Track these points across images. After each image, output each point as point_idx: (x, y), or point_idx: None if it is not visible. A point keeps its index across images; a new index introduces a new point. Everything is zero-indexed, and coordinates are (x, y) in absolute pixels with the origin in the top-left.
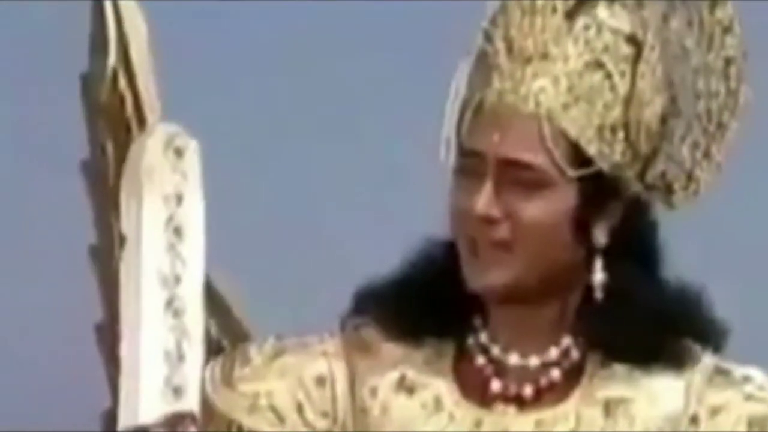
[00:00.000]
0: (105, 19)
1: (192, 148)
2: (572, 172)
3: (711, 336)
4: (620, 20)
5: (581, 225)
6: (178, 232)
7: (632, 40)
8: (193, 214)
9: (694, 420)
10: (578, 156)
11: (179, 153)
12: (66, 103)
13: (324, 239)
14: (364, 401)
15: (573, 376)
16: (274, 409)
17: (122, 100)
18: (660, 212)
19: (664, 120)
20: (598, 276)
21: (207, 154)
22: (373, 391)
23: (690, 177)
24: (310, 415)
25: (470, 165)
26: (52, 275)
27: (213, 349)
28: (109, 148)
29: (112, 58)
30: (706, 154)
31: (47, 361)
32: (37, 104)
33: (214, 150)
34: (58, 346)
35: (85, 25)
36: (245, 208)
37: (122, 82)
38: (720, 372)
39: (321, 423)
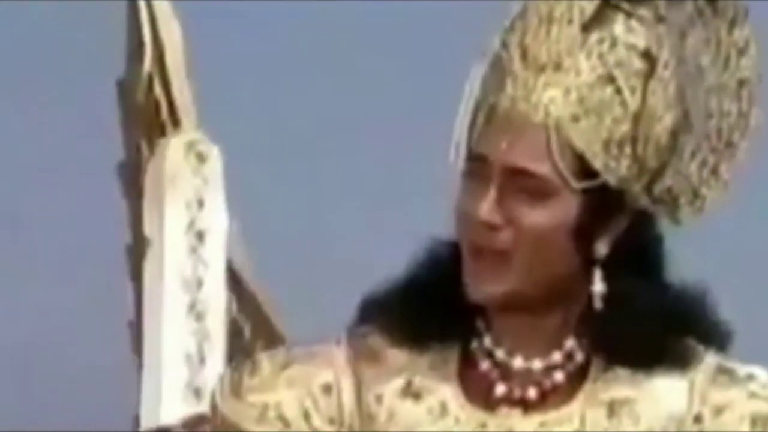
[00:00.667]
0: (140, 25)
1: (214, 153)
2: (576, 184)
3: (715, 337)
4: (636, 36)
5: (583, 236)
6: (200, 236)
7: (646, 55)
8: (215, 219)
9: (698, 419)
10: (584, 168)
11: (201, 158)
12: (103, 107)
13: (345, 244)
14: (370, 407)
15: (577, 378)
16: (282, 418)
17: (157, 105)
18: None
19: (674, 135)
20: (598, 287)
21: (241, 156)
22: (379, 398)
23: (696, 194)
24: (317, 422)
25: (477, 169)
26: (88, 274)
27: (245, 351)
28: (145, 151)
29: (148, 63)
30: (714, 172)
31: (83, 360)
32: (74, 108)
33: (248, 151)
34: (93, 345)
35: (122, 30)
36: (279, 206)
37: (157, 87)
38: (723, 371)
39: (328, 429)
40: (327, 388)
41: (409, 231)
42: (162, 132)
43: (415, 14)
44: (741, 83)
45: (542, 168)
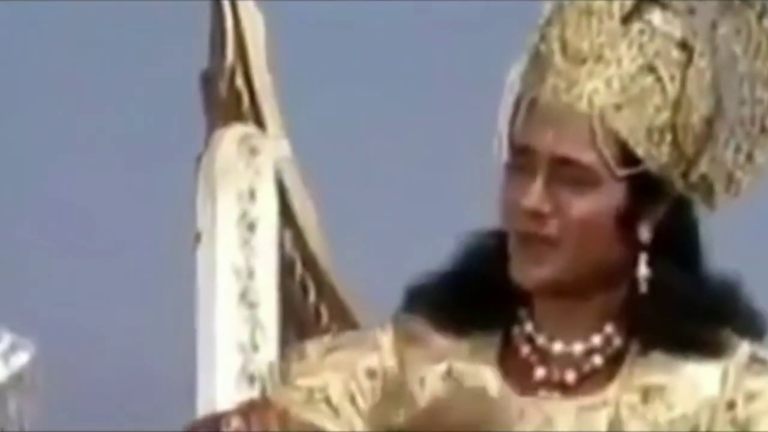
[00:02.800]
0: (223, 19)
1: (266, 146)
2: (621, 172)
3: (750, 327)
4: (672, 26)
5: (627, 222)
6: (251, 227)
7: (683, 45)
8: (267, 210)
9: (730, 405)
10: (627, 156)
11: (254, 151)
12: (188, 101)
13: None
14: (413, 391)
15: (614, 363)
16: (328, 401)
17: (239, 96)
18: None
19: (709, 123)
20: (643, 271)
21: (319, 147)
22: (422, 381)
23: (731, 179)
24: (362, 405)
25: (522, 161)
26: (162, 265)
27: (321, 329)
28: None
29: (230, 56)
30: (749, 158)
31: (150, 349)
32: (160, 99)
33: (326, 141)
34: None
35: (206, 24)
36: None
37: (239, 79)
38: (757, 360)
39: None
40: (371, 372)
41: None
42: (243, 124)
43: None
44: None
45: (588, 157)
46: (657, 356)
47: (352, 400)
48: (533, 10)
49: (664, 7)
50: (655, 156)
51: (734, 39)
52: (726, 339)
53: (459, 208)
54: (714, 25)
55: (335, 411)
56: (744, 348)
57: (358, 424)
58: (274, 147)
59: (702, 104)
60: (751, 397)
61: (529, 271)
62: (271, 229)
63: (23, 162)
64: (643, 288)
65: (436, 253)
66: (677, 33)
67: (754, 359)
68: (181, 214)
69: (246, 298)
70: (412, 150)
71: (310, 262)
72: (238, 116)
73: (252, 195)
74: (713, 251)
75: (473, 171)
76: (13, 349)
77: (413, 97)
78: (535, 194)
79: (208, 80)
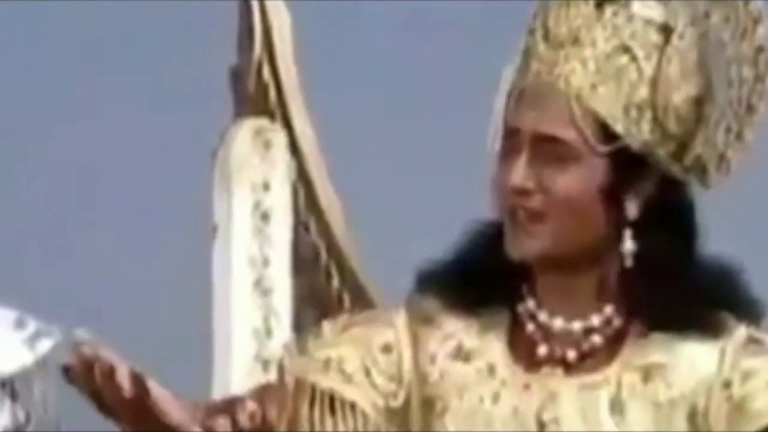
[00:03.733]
0: (251, 16)
1: (280, 139)
2: (601, 148)
3: (748, 311)
4: (653, 11)
5: (612, 198)
6: (265, 217)
7: (663, 28)
8: (280, 200)
9: (726, 384)
10: (607, 133)
11: (267, 145)
12: (218, 93)
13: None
14: (424, 367)
15: (615, 343)
16: (343, 372)
17: (266, 91)
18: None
19: (699, 105)
20: (627, 246)
21: (344, 139)
22: (433, 359)
23: (722, 158)
24: (377, 378)
25: (510, 143)
26: (177, 252)
27: (343, 313)
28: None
29: (258, 51)
30: (738, 137)
31: (168, 333)
32: (190, 92)
33: (350, 135)
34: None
35: (235, 20)
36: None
37: (266, 74)
38: (754, 341)
39: (388, 386)
40: (387, 348)
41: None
42: (271, 117)
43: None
44: (758, 50)
45: (568, 134)
46: (657, 337)
47: (367, 372)
48: None
49: None
50: (635, 133)
51: (724, 26)
52: (724, 321)
53: (474, 198)
54: (706, 14)
55: (348, 379)
56: (741, 330)
57: (373, 395)
58: (300, 140)
59: (686, 85)
60: (746, 376)
61: (519, 245)
62: (284, 219)
63: (60, 159)
64: (628, 263)
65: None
66: (658, 17)
67: (751, 340)
68: (198, 206)
69: (260, 286)
70: (432, 146)
71: (333, 249)
72: (265, 110)
73: (266, 186)
74: (714, 240)
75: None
76: (38, 335)
77: (433, 93)
78: (519, 172)
79: (236, 75)
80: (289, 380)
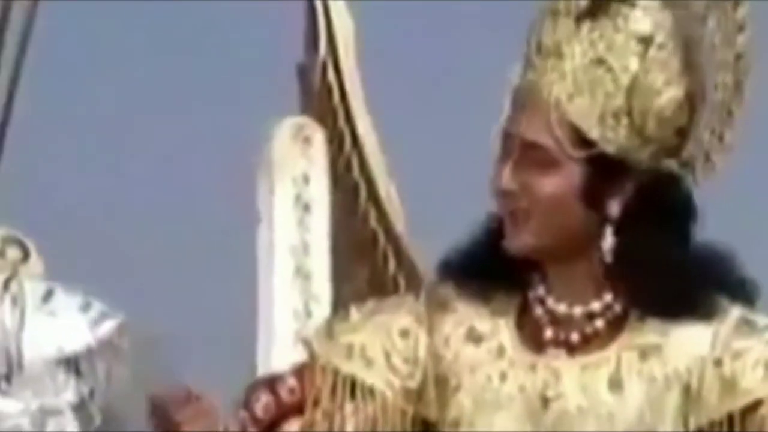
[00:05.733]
0: (316, 17)
1: (319, 136)
2: (576, 153)
3: (742, 293)
4: (637, 23)
5: (593, 198)
6: (306, 208)
7: (642, 40)
8: (319, 192)
9: (718, 363)
10: (583, 139)
11: (307, 141)
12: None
13: None
14: (439, 349)
15: (616, 326)
16: (365, 357)
17: (330, 90)
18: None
19: (690, 107)
20: (608, 242)
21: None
22: (447, 341)
23: (707, 158)
24: (396, 361)
25: (505, 147)
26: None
27: (397, 291)
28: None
29: (322, 51)
30: (720, 139)
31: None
32: (260, 91)
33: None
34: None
35: (302, 22)
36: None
37: (330, 74)
38: (746, 322)
39: (405, 368)
40: (405, 333)
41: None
42: (333, 114)
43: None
44: (738, 57)
45: (546, 140)
46: (653, 320)
47: (387, 356)
48: None
49: (633, 5)
50: (611, 138)
51: (716, 31)
52: (718, 303)
53: None
54: (703, 18)
55: (369, 364)
56: (734, 311)
57: (391, 377)
58: (362, 138)
59: (670, 91)
60: (736, 355)
61: (512, 240)
62: (323, 209)
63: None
64: (608, 258)
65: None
66: (641, 28)
67: (743, 321)
68: (243, 197)
69: (301, 272)
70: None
71: (390, 237)
72: (329, 108)
73: (306, 180)
74: (713, 228)
75: None
76: (102, 317)
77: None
78: (506, 175)
79: (303, 73)
80: (315, 363)
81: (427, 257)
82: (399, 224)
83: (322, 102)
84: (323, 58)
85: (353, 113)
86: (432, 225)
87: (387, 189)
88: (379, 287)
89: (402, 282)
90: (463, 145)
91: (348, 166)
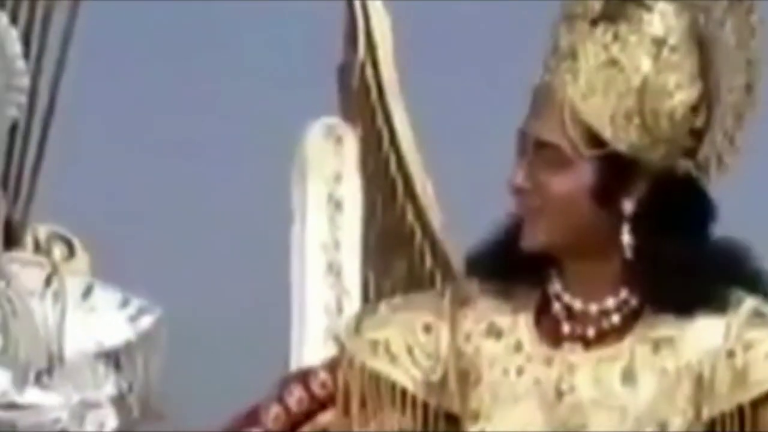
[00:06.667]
0: (355, 19)
1: (350, 136)
2: (588, 153)
3: (757, 285)
4: (652, 26)
5: (606, 196)
6: (338, 206)
7: (656, 42)
8: (351, 191)
9: (730, 354)
10: (596, 139)
11: (339, 141)
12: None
13: None
14: (460, 344)
15: (631, 320)
16: (389, 352)
17: (368, 89)
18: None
19: (707, 108)
20: (626, 239)
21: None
22: (468, 336)
23: (720, 159)
24: (419, 356)
25: (521, 145)
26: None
27: (434, 285)
28: (359, 131)
29: (361, 52)
30: (731, 141)
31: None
32: (299, 91)
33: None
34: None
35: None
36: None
37: (369, 74)
38: (759, 314)
39: (427, 362)
40: (427, 328)
41: None
42: (372, 113)
43: None
44: (749, 62)
45: (559, 140)
46: (668, 315)
47: (410, 351)
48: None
49: (649, 9)
50: (623, 138)
51: (732, 33)
52: (732, 296)
53: None
54: (722, 22)
55: (393, 359)
56: (748, 304)
57: (414, 371)
58: (400, 137)
59: (683, 93)
60: (748, 346)
61: (527, 237)
62: (354, 207)
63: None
64: (628, 254)
65: None
66: (656, 31)
67: (756, 314)
68: (277, 196)
69: (333, 268)
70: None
71: (427, 233)
72: (367, 107)
73: (338, 179)
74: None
75: None
76: (140, 312)
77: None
78: (519, 174)
79: (342, 73)
80: (344, 358)
81: (461, 253)
82: (435, 220)
83: (361, 101)
84: (362, 57)
85: (391, 112)
86: (466, 221)
87: (423, 186)
88: (417, 282)
89: (438, 277)
90: (499, 142)
91: (386, 164)
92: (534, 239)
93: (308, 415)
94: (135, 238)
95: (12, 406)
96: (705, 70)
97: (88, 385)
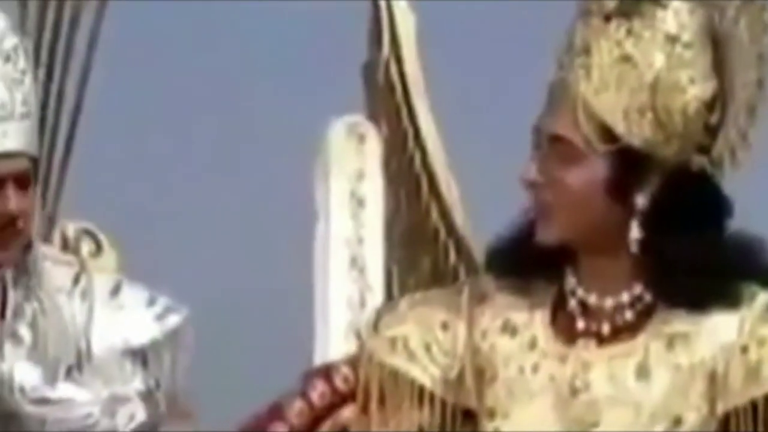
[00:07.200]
0: (380, 17)
1: (373, 134)
2: (601, 148)
3: None
4: (665, 23)
5: (619, 191)
6: (360, 202)
7: (669, 39)
8: (373, 188)
9: (744, 349)
10: (610, 134)
11: (361, 139)
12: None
13: None
14: (476, 341)
15: (645, 315)
16: (407, 349)
17: (393, 87)
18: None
19: (722, 106)
20: (634, 233)
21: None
22: (484, 333)
23: (733, 155)
24: (436, 353)
25: (535, 140)
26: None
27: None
28: (384, 130)
29: (386, 50)
30: (744, 137)
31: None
32: (326, 88)
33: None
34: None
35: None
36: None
37: (394, 72)
38: None
39: (444, 359)
40: (445, 325)
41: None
42: (397, 111)
43: None
44: (760, 57)
45: (572, 135)
46: (681, 311)
47: (428, 348)
48: None
49: (663, 6)
50: (636, 133)
51: (746, 30)
52: (746, 291)
53: None
54: (736, 21)
55: (411, 356)
56: (762, 298)
57: (432, 368)
58: (425, 135)
59: (696, 89)
60: (762, 342)
61: (541, 232)
62: (376, 204)
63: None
64: (634, 248)
65: None
66: (669, 28)
67: None
68: (301, 193)
69: (356, 264)
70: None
71: (451, 230)
72: (392, 105)
73: (360, 176)
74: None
75: None
76: (167, 311)
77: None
78: (532, 168)
79: (367, 71)
80: (364, 355)
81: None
82: (459, 217)
83: (386, 99)
84: (386, 55)
85: (415, 110)
86: (489, 219)
87: (448, 183)
88: (441, 278)
89: (462, 273)
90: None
91: (411, 161)
92: (548, 234)
93: (330, 409)
94: (159, 234)
95: (43, 401)
96: (719, 67)
97: (116, 381)
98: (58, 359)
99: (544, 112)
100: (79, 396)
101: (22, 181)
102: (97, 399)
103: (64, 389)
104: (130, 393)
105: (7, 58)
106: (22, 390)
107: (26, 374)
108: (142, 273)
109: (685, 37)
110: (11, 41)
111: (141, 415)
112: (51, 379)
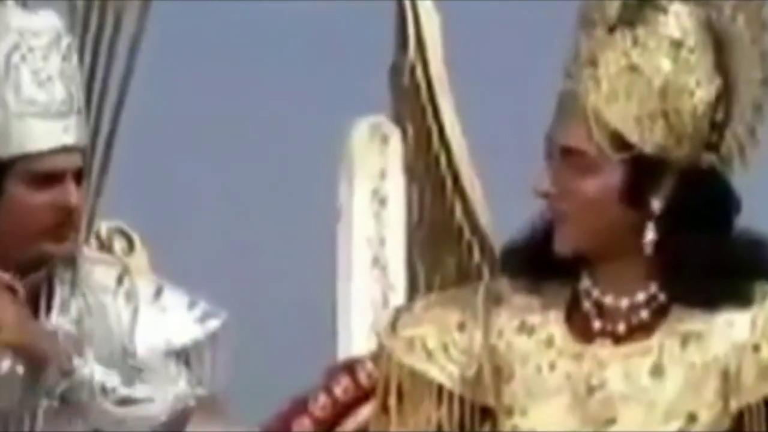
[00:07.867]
0: (406, 20)
1: (395, 135)
2: (615, 156)
3: None
4: (668, 28)
5: (635, 197)
6: (383, 202)
7: (675, 44)
8: (395, 187)
9: (756, 348)
10: (623, 142)
11: (384, 139)
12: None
13: None
14: (493, 341)
15: (660, 314)
16: (425, 349)
17: (418, 89)
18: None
19: (727, 103)
20: (649, 236)
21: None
22: (501, 333)
23: (742, 151)
24: (454, 352)
25: (547, 150)
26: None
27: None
28: (410, 130)
29: (411, 52)
30: (752, 133)
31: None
32: (351, 88)
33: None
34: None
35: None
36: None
37: (419, 73)
38: None
39: (461, 358)
40: (461, 326)
41: None
42: (422, 112)
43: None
44: (763, 55)
45: (586, 146)
46: (695, 310)
47: (445, 348)
48: None
49: (665, 11)
50: (649, 139)
51: (746, 29)
52: (759, 290)
53: None
54: (734, 18)
55: (429, 356)
56: None
57: (450, 368)
58: (449, 135)
59: (702, 90)
60: None
61: (558, 242)
62: (399, 204)
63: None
64: (648, 251)
65: None
66: (673, 33)
67: None
68: (324, 193)
69: (378, 263)
70: None
71: (475, 229)
72: (418, 106)
73: (383, 176)
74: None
75: None
76: (207, 315)
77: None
78: (545, 179)
79: (393, 73)
80: (382, 354)
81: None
82: (483, 217)
83: (411, 100)
84: (412, 57)
85: (441, 110)
86: (512, 218)
87: (472, 183)
88: (465, 276)
89: (486, 271)
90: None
91: (436, 161)
92: (564, 245)
93: (354, 403)
94: (187, 236)
95: (127, 401)
96: (721, 65)
97: (163, 382)
98: (100, 358)
99: (554, 122)
100: (156, 395)
101: (79, 176)
102: (167, 399)
103: (142, 389)
104: (189, 393)
105: (65, 57)
106: (104, 390)
107: (106, 375)
108: (170, 274)
109: (689, 41)
110: (66, 40)
111: (190, 415)
112: (128, 380)
